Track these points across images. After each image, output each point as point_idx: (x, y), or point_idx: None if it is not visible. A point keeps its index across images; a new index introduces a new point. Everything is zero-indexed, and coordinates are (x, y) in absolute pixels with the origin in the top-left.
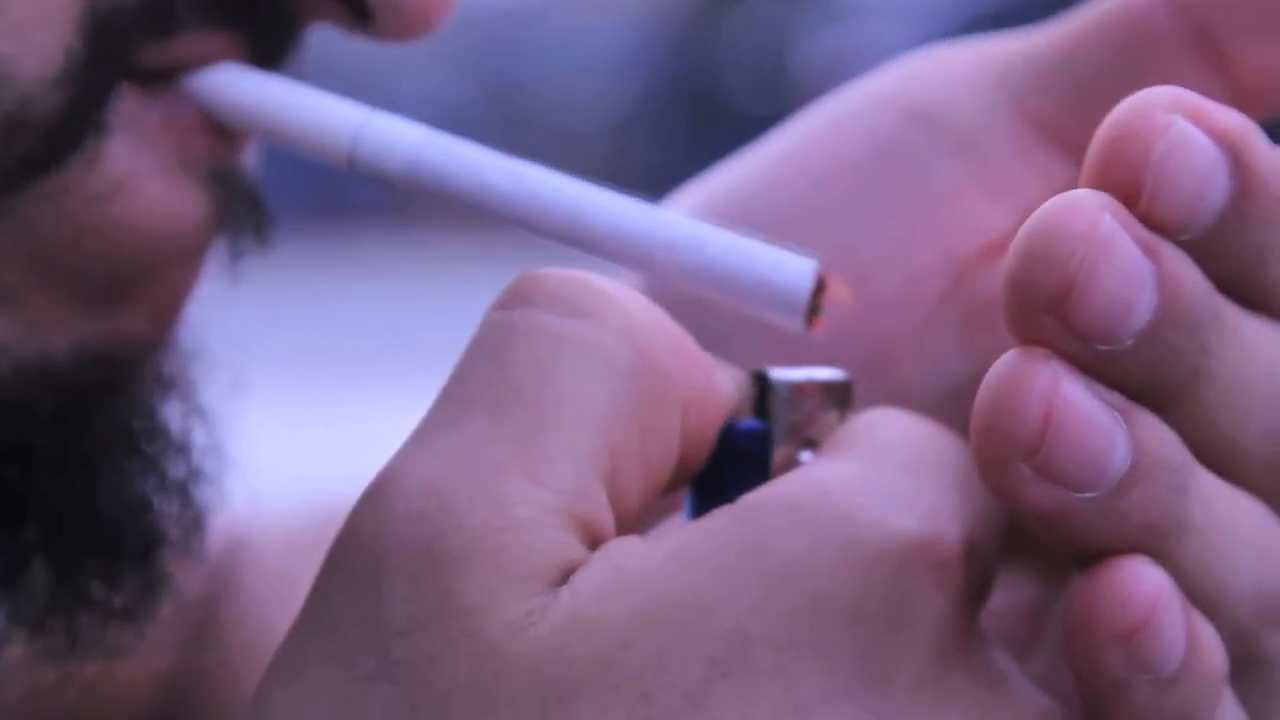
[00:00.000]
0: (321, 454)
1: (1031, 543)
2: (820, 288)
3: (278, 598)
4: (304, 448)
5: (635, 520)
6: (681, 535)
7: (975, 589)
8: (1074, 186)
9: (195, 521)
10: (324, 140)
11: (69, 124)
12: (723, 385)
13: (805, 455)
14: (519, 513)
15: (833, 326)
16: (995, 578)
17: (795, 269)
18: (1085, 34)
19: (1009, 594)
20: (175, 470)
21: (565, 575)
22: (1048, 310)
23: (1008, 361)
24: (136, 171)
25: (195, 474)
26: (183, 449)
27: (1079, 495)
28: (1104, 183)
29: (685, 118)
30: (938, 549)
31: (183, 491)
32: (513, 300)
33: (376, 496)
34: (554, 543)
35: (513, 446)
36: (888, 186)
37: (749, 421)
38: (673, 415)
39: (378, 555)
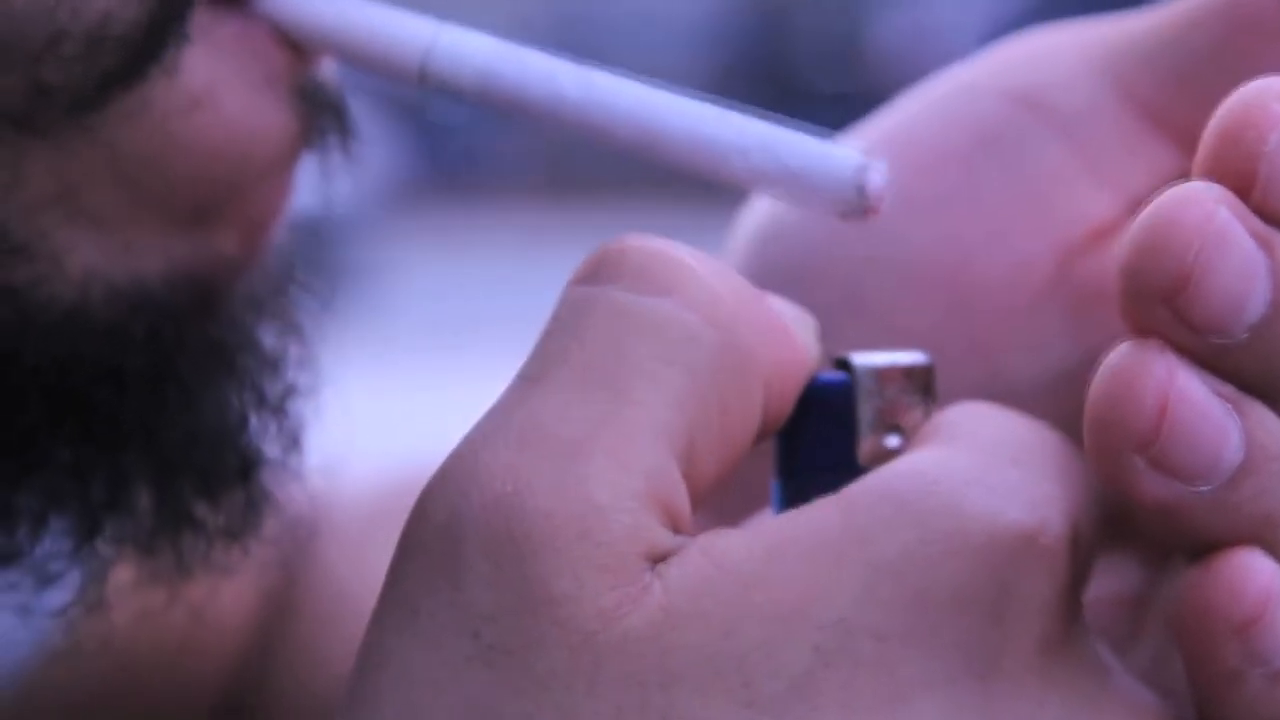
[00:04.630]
0: (420, 421)
1: (1130, 530)
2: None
3: (355, 567)
4: (408, 414)
5: (710, 492)
6: (782, 528)
7: (1078, 580)
8: (1179, 171)
9: (293, 438)
10: (395, 55)
11: (150, 37)
12: (807, 348)
13: (891, 440)
14: (601, 498)
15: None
16: (1094, 567)
17: (877, 168)
18: (1190, 18)
19: (1107, 581)
20: (271, 388)
21: (649, 559)
22: (1163, 302)
23: (1123, 353)
24: (216, 84)
25: (291, 390)
26: (277, 366)
27: (1193, 488)
28: (1218, 174)
29: (760, 94)
30: (1044, 540)
31: (279, 409)
32: (593, 274)
33: (451, 477)
34: (636, 527)
35: (591, 427)
36: (992, 172)
37: (831, 374)
38: (754, 390)
39: (455, 537)
